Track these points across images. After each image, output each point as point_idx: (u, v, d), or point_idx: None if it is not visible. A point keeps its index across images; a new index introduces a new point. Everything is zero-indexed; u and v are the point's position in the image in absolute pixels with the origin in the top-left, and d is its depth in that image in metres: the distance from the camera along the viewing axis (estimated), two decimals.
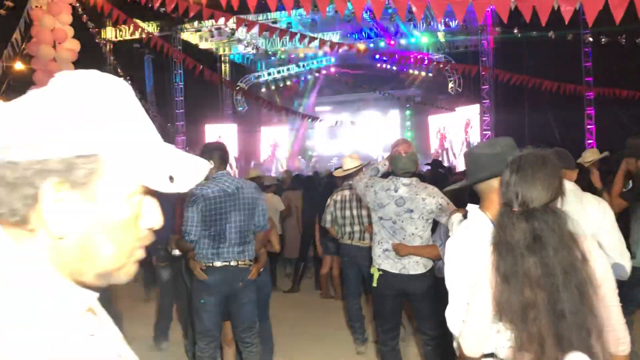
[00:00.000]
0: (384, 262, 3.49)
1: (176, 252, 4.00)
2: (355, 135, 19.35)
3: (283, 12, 14.33)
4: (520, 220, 1.50)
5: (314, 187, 7.27)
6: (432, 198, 3.42)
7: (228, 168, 3.65)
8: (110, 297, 5.15)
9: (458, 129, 16.43)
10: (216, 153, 3.47)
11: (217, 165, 3.46)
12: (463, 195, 3.22)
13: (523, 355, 1.45)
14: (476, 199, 1.98)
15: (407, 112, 19.39)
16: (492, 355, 1.62)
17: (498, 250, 1.52)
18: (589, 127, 14.97)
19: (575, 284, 1.42)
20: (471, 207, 1.93)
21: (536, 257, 1.46)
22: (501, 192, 1.58)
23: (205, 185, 3.42)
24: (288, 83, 19.84)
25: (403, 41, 16.76)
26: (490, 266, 1.52)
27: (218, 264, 3.36)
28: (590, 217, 2.55)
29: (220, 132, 17.81)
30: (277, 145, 19.87)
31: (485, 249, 1.65)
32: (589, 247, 1.53)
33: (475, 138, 15.61)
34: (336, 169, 5.85)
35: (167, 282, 4.90)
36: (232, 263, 3.39)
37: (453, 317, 1.77)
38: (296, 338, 5.10)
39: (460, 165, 14.85)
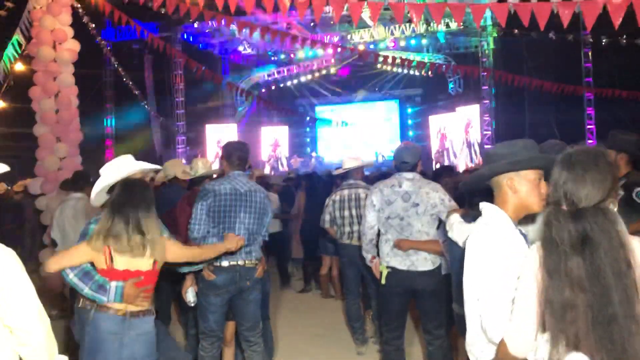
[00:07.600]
0: (393, 259, 3.51)
1: (190, 298, 3.46)
2: (355, 135, 19.34)
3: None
4: (567, 219, 1.48)
5: (315, 186, 7.22)
6: (435, 192, 3.49)
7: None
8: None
9: (458, 129, 16.41)
10: (235, 152, 3.51)
11: (234, 165, 3.49)
12: (462, 194, 3.23)
13: (558, 353, 1.44)
14: (484, 198, 1.97)
15: (408, 112, 19.39)
16: None
17: (545, 247, 1.52)
18: (589, 127, 14.97)
19: (624, 288, 1.41)
20: (486, 205, 1.91)
21: (580, 258, 1.45)
22: (550, 191, 1.58)
23: (218, 181, 3.44)
24: (288, 83, 19.81)
25: (403, 42, 16.75)
26: (538, 262, 1.52)
27: (225, 264, 3.36)
28: None
29: (221, 132, 17.79)
30: (277, 144, 19.83)
31: (519, 245, 1.72)
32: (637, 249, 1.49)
33: (475, 138, 15.61)
34: (337, 169, 5.83)
35: (167, 282, 4.90)
36: (240, 262, 3.39)
37: (492, 322, 1.71)
38: (296, 338, 5.11)
39: (461, 165, 14.85)
